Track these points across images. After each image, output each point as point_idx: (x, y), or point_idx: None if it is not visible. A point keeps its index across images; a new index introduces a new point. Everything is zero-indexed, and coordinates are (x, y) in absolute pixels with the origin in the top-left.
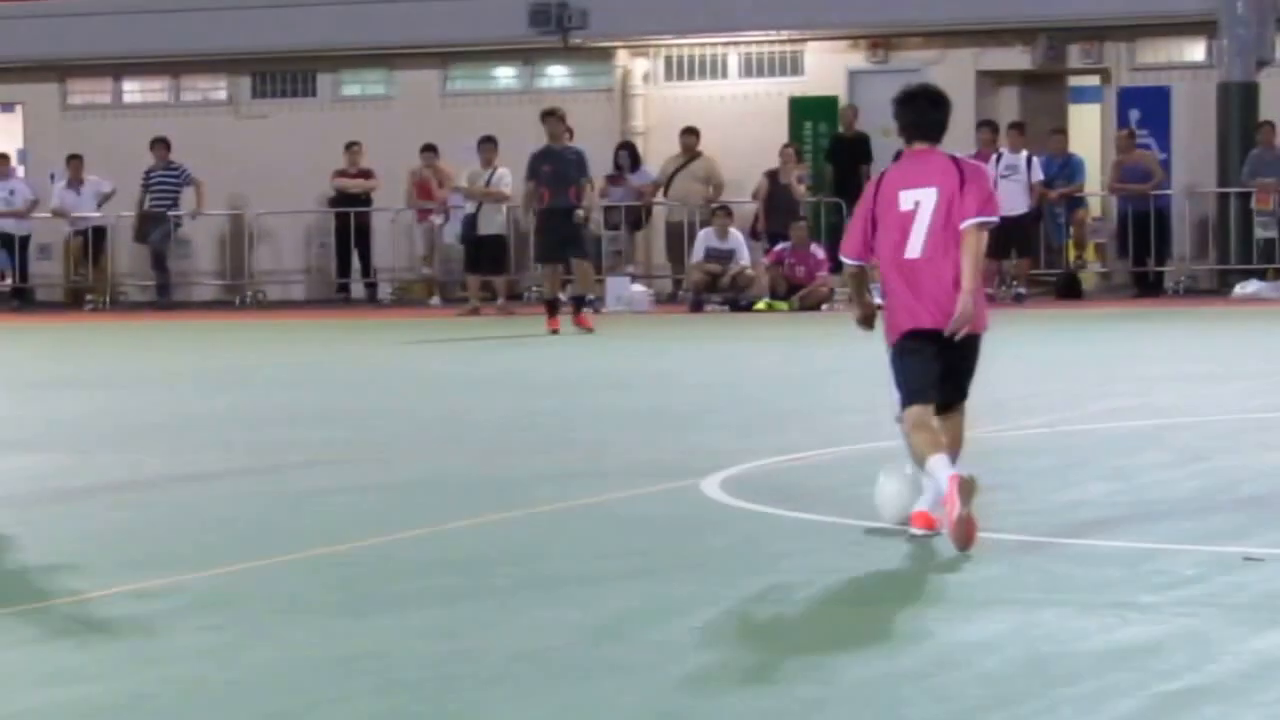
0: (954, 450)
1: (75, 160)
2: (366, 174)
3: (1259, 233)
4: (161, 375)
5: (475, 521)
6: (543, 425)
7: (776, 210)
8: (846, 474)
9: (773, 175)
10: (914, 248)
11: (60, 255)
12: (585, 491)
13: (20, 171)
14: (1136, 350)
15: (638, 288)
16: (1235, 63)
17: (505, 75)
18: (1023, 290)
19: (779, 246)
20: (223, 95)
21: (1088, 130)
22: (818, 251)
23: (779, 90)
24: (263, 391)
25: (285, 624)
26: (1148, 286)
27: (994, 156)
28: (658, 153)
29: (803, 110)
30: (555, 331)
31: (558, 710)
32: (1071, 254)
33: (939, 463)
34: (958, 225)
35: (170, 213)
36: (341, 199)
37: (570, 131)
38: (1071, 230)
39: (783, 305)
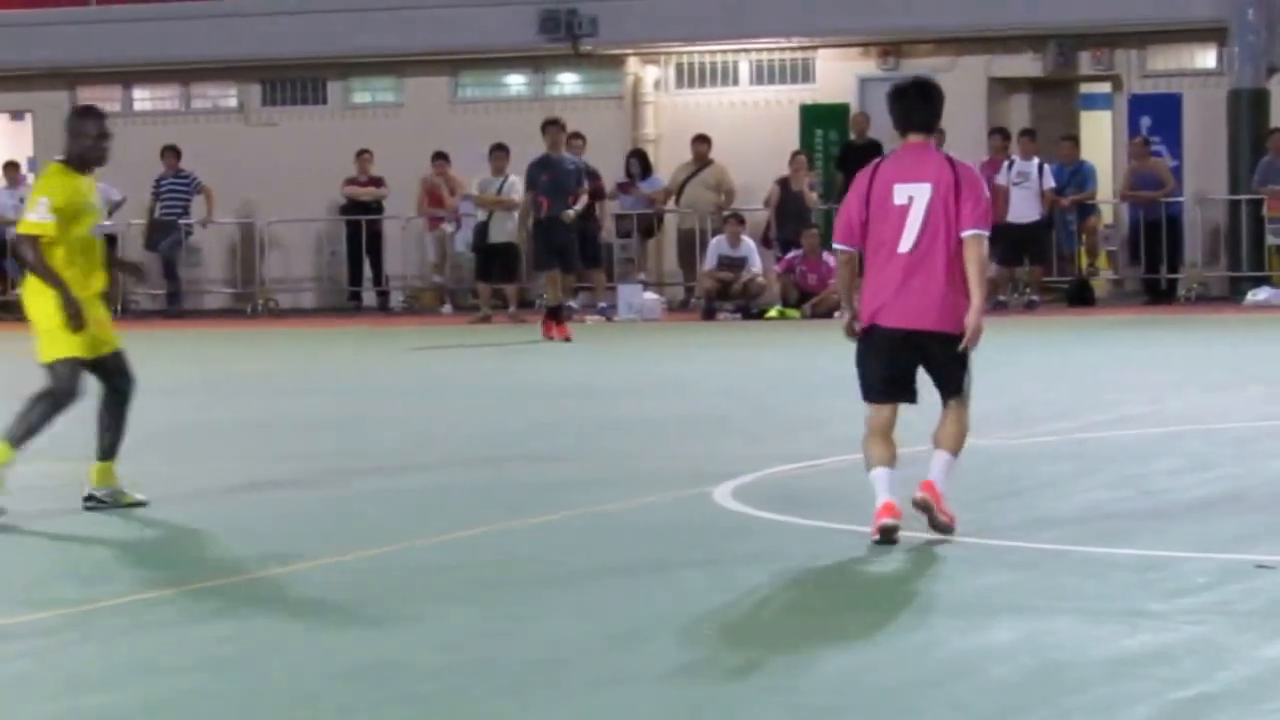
0: (952, 445)
1: None
2: (377, 182)
3: (1270, 240)
4: (172, 384)
5: (488, 529)
6: (555, 433)
7: (788, 217)
8: (858, 481)
9: (784, 182)
10: (906, 242)
11: None
12: (598, 499)
13: (30, 180)
14: (1148, 357)
15: (649, 295)
16: (1246, 69)
17: (515, 82)
18: (1035, 297)
19: (790, 254)
20: (233, 103)
21: (1098, 137)
22: (829, 259)
23: (790, 97)
24: (274, 400)
25: (299, 633)
26: (1159, 294)
27: (1006, 164)
28: (669, 160)
29: (814, 117)
30: (567, 339)
31: (571, 719)
32: (1083, 261)
33: (878, 478)
34: (950, 223)
35: (180, 221)
36: (352, 207)
37: (583, 139)
38: (1083, 237)
39: (794, 313)
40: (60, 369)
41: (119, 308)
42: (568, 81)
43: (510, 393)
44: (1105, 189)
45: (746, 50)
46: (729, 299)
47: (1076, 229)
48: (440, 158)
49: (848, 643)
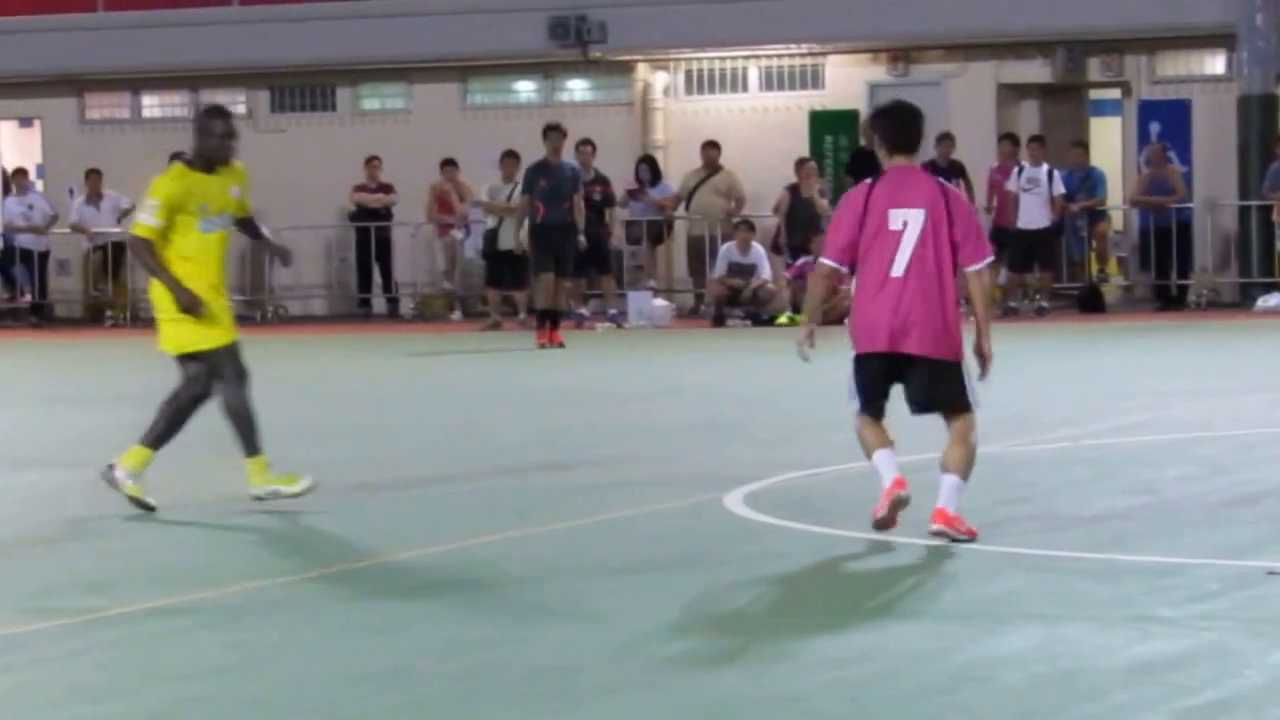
0: (962, 468)
1: (94, 175)
2: (386, 188)
3: None
4: None
5: (497, 537)
6: (565, 440)
7: (798, 224)
8: (869, 488)
9: (794, 189)
10: (899, 266)
11: (79, 271)
12: (609, 507)
13: (39, 186)
14: (1158, 363)
15: (659, 302)
16: (1255, 75)
17: (525, 89)
18: (1045, 304)
19: (800, 260)
20: (241, 109)
21: (1108, 143)
22: None
23: (799, 103)
24: (284, 407)
25: (307, 640)
26: (1170, 300)
27: (1015, 169)
28: (678, 166)
29: (823, 123)
30: (560, 345)
31: None
32: (1093, 267)
33: (882, 459)
34: (941, 249)
35: None
36: (361, 213)
37: (592, 146)
38: (1093, 243)
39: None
40: (191, 367)
41: (129, 316)
42: (577, 88)
43: (521, 399)
44: (1115, 195)
45: (756, 56)
46: (739, 305)
47: (1087, 235)
48: (450, 164)
49: (859, 650)
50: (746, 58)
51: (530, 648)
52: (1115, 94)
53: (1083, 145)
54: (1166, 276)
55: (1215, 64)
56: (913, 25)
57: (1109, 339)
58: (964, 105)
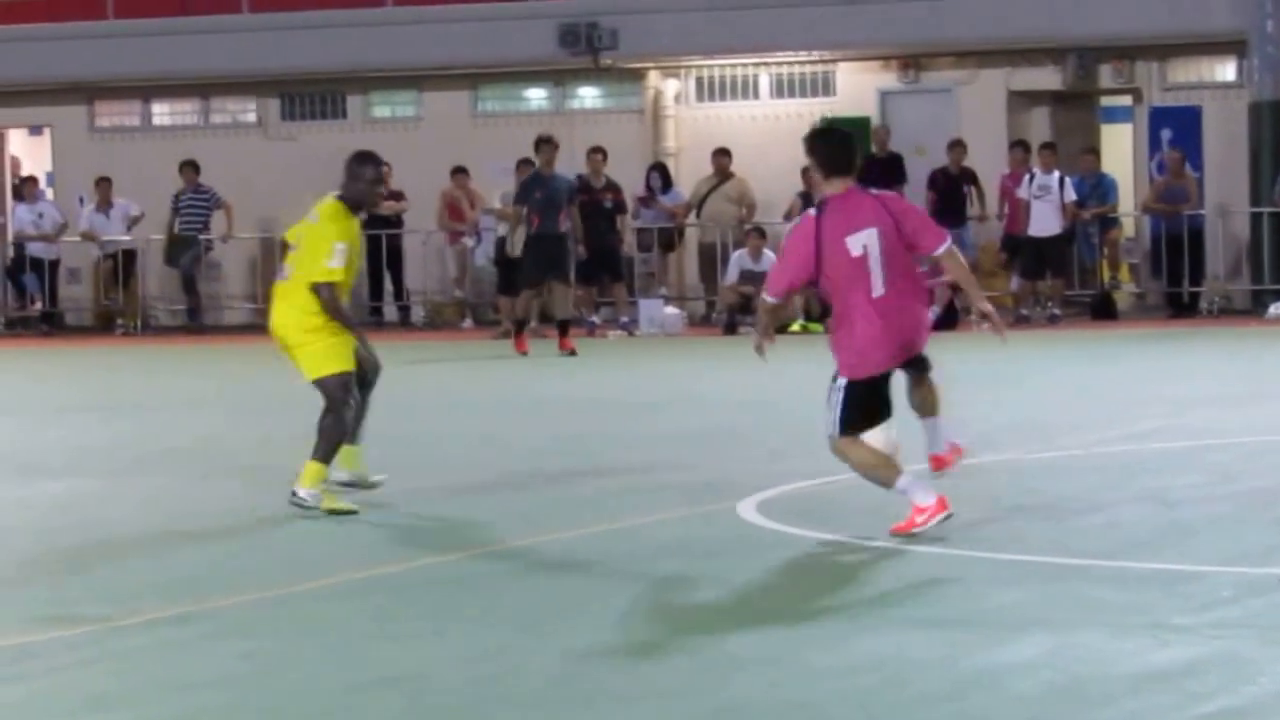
0: (934, 411)
1: (104, 183)
2: (397, 196)
3: None
4: (192, 399)
5: (509, 545)
6: (578, 448)
7: None
8: (880, 496)
9: (806, 196)
10: (877, 286)
11: (89, 279)
12: (621, 515)
13: (49, 194)
14: (1170, 371)
15: (670, 310)
16: (1266, 81)
17: (536, 96)
18: (1057, 311)
19: None
20: (252, 117)
21: (1119, 150)
22: None
23: (811, 111)
24: (294, 416)
25: (318, 649)
26: (1181, 307)
27: (1026, 177)
28: (689, 174)
29: None
30: (524, 353)
31: None
32: (1105, 274)
33: (913, 484)
34: (903, 255)
35: (200, 236)
36: (372, 221)
37: (603, 153)
38: (1105, 250)
39: (817, 326)
40: (329, 382)
41: (139, 323)
42: (588, 95)
43: (532, 407)
44: (1126, 202)
45: (767, 63)
46: (750, 313)
47: (1098, 242)
48: (460, 171)
49: (870, 657)
50: (758, 65)
51: (543, 656)
52: (1126, 101)
53: (1094, 152)
54: (1178, 283)
55: (1226, 71)
56: (924, 32)
57: (1121, 346)
58: (975, 112)
